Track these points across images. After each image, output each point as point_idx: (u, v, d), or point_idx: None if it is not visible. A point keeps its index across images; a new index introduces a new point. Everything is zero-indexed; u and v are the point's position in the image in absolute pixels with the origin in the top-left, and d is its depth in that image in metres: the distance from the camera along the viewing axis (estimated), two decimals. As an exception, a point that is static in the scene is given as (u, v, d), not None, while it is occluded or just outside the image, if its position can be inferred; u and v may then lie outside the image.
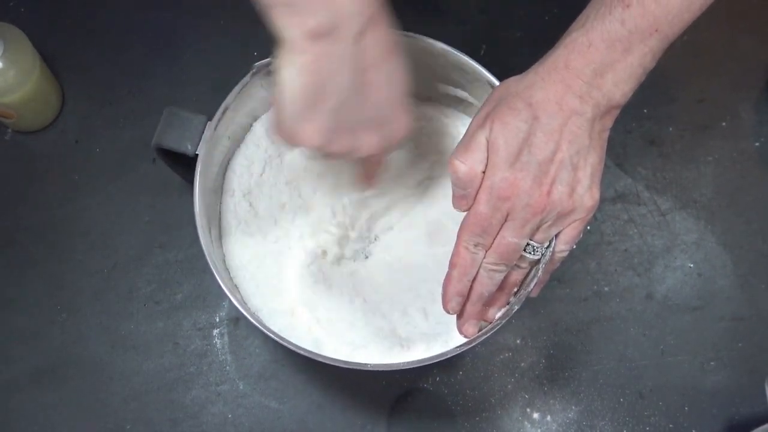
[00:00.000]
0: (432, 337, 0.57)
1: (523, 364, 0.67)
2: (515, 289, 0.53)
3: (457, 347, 0.51)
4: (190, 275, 0.68)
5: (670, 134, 0.74)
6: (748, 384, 0.66)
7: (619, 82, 0.46)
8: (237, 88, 0.55)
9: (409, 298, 0.59)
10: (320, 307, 0.58)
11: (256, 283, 0.58)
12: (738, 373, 0.67)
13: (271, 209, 0.59)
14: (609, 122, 0.48)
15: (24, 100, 0.67)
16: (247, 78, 0.55)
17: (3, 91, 0.65)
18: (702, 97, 0.75)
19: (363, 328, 0.57)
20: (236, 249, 0.59)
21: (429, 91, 0.62)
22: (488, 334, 0.51)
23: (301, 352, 0.50)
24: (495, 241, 0.47)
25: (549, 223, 0.47)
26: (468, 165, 0.46)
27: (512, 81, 0.48)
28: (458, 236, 0.48)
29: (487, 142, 0.46)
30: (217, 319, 0.67)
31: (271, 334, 0.50)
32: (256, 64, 0.53)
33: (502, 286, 0.51)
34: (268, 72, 0.53)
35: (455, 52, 0.57)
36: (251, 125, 0.61)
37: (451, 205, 0.49)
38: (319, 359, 0.50)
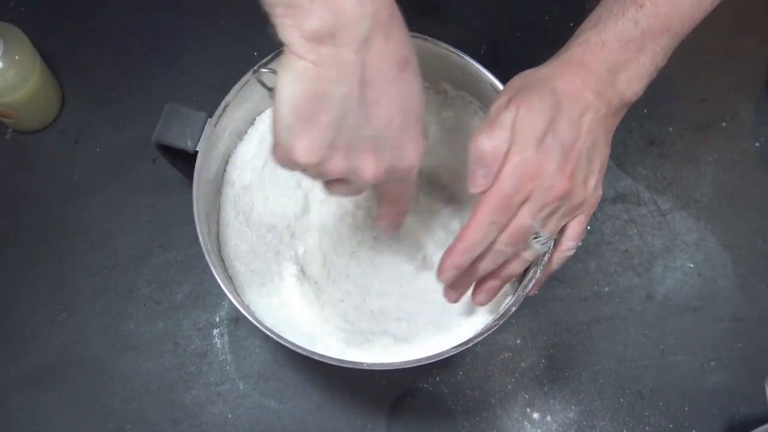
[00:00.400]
0: (432, 335, 0.57)
1: (523, 364, 0.67)
2: (512, 282, 0.52)
3: (457, 346, 0.51)
4: (190, 275, 0.68)
5: (670, 134, 0.74)
6: (748, 384, 0.66)
7: (632, 81, 0.47)
8: (238, 86, 0.55)
9: (408, 294, 0.59)
10: (317, 303, 0.58)
11: (252, 275, 0.58)
12: (738, 373, 0.67)
13: (268, 203, 0.59)
14: (616, 122, 0.49)
15: (24, 100, 0.67)
16: (248, 75, 0.55)
17: (3, 91, 0.65)
18: (702, 97, 0.75)
19: (362, 325, 0.57)
20: (233, 241, 0.59)
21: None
22: (488, 334, 0.52)
23: (299, 351, 0.50)
24: (512, 221, 0.47)
25: (562, 212, 0.47)
26: (494, 142, 0.45)
27: (529, 72, 0.49)
28: (474, 213, 0.46)
29: (512, 123, 0.45)
30: (217, 319, 0.67)
31: (267, 332, 0.50)
32: (259, 64, 0.53)
33: (498, 273, 0.51)
34: (271, 71, 0.53)
35: (459, 54, 0.57)
36: (254, 119, 0.61)
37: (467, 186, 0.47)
38: (317, 358, 0.50)
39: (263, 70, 0.47)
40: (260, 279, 0.58)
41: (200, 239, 0.52)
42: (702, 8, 0.48)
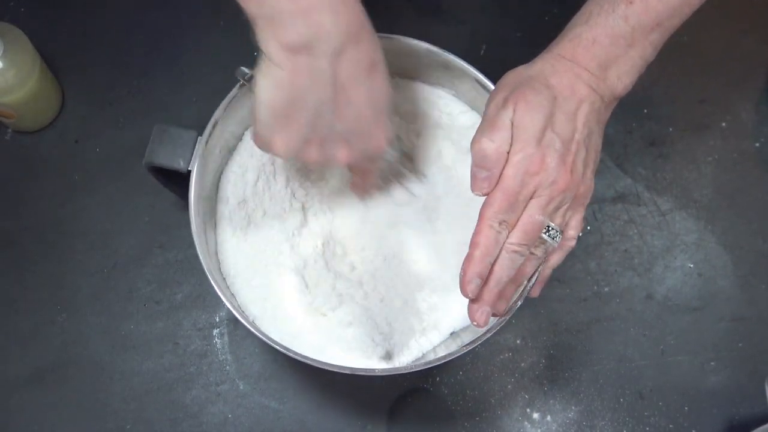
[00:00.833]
0: (430, 337, 0.57)
1: (523, 364, 0.67)
2: (525, 283, 0.52)
3: (457, 350, 0.51)
4: (190, 275, 0.68)
5: (670, 134, 0.74)
6: (748, 384, 0.66)
7: (622, 75, 0.48)
8: (225, 102, 0.55)
9: (407, 300, 0.58)
10: (317, 312, 0.57)
11: (253, 290, 0.57)
12: (738, 373, 0.67)
13: (265, 217, 0.59)
14: (608, 115, 0.50)
15: (24, 100, 0.67)
16: (234, 90, 0.55)
17: (3, 91, 0.65)
18: (702, 97, 0.75)
19: (360, 331, 0.57)
20: (232, 257, 0.58)
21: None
22: (489, 335, 0.52)
23: (300, 359, 0.50)
24: (520, 219, 0.47)
25: (567, 204, 0.47)
26: (496, 144, 0.46)
27: (521, 68, 0.49)
28: (481, 215, 0.46)
29: (511, 122, 0.46)
30: (217, 319, 0.67)
31: (270, 342, 0.50)
32: (239, 73, 0.52)
33: (513, 277, 0.50)
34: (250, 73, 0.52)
35: (440, 51, 0.57)
36: (243, 134, 0.61)
37: (470, 190, 0.48)
38: (318, 365, 0.50)
39: (244, 69, 0.49)
40: (260, 291, 0.57)
41: (201, 260, 0.52)
42: (691, 4, 0.48)
